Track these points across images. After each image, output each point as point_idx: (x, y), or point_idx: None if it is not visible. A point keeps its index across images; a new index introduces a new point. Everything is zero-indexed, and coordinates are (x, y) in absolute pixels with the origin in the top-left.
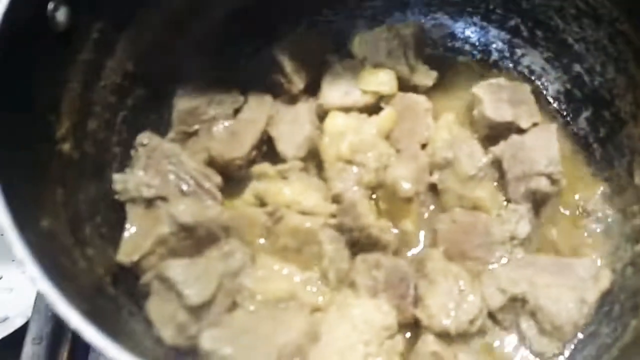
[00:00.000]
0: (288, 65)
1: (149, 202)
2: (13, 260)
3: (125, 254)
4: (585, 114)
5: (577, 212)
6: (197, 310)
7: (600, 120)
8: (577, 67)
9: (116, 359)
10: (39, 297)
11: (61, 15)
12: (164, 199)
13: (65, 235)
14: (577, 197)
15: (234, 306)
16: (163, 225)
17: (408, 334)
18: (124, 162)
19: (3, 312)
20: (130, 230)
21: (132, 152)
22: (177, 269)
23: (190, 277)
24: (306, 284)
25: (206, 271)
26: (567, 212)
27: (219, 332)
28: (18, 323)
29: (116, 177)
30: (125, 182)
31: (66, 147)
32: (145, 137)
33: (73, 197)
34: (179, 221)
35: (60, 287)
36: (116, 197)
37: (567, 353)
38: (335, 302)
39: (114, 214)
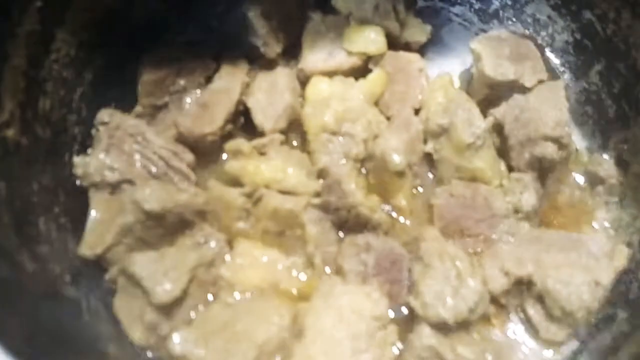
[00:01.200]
0: (263, 25)
1: (114, 187)
2: None
3: (88, 247)
4: (597, 67)
5: (588, 180)
6: (168, 308)
7: (614, 73)
8: (587, 14)
9: None
10: None
11: None
12: (130, 182)
13: (7, 236)
14: (587, 162)
15: (209, 299)
16: (127, 214)
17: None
18: (86, 143)
19: None
20: (93, 219)
21: (94, 131)
22: (142, 262)
23: (158, 271)
24: (289, 271)
25: (176, 264)
26: (577, 180)
27: (190, 333)
28: None
29: (76, 160)
30: (87, 165)
31: (11, 133)
32: (105, 115)
33: (21, 189)
34: (144, 208)
35: None
36: (78, 182)
37: (578, 341)
38: (321, 290)
39: (77, 202)
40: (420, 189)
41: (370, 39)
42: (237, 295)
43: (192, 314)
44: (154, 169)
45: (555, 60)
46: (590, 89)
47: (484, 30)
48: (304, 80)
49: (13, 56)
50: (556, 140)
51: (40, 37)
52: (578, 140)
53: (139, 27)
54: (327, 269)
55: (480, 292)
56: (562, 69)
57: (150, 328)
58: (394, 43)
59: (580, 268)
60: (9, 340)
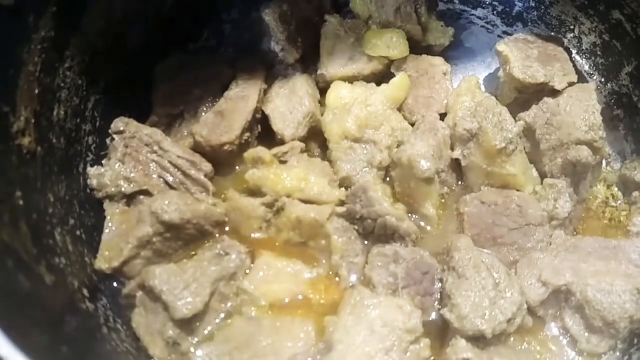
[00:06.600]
0: (280, 30)
1: (130, 198)
2: None
3: (105, 260)
4: (627, 68)
5: (622, 185)
6: (189, 323)
7: None
8: (616, 14)
9: None
10: None
11: None
12: (146, 193)
13: (25, 246)
14: (620, 167)
15: (231, 313)
16: (145, 225)
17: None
18: (101, 153)
19: None
20: (109, 231)
21: (108, 141)
22: (162, 276)
23: (179, 285)
24: (314, 284)
25: (197, 276)
26: (612, 185)
27: (214, 349)
28: None
29: (91, 171)
30: (101, 176)
31: (26, 141)
32: (120, 123)
33: (37, 199)
34: (163, 219)
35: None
36: (93, 193)
37: (620, 352)
38: (349, 303)
39: (92, 214)
40: (449, 197)
41: (392, 42)
42: (259, 308)
43: (214, 329)
44: (170, 179)
45: (583, 62)
46: (620, 91)
47: (508, 33)
48: (323, 86)
49: (28, 63)
50: (589, 144)
51: (54, 43)
52: (610, 145)
53: (153, 34)
54: (353, 280)
55: (519, 303)
56: (590, 71)
57: (171, 344)
58: (416, 47)
59: (620, 276)
60: (31, 352)
